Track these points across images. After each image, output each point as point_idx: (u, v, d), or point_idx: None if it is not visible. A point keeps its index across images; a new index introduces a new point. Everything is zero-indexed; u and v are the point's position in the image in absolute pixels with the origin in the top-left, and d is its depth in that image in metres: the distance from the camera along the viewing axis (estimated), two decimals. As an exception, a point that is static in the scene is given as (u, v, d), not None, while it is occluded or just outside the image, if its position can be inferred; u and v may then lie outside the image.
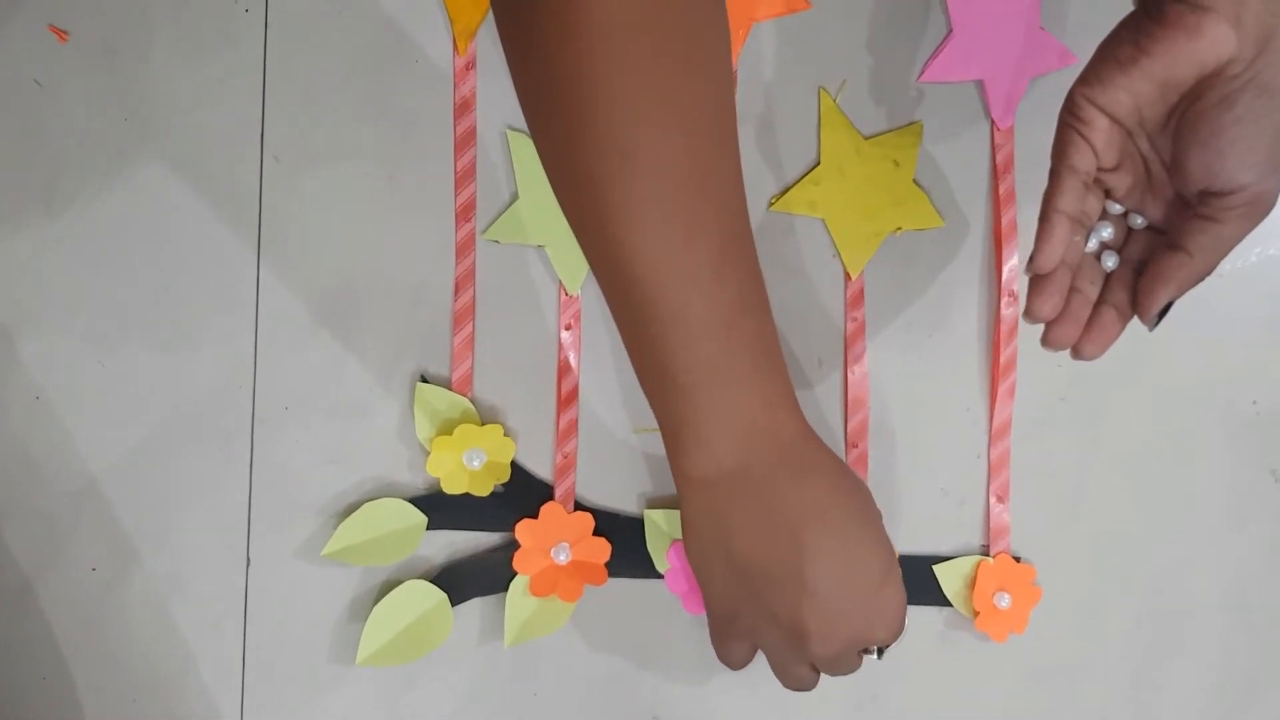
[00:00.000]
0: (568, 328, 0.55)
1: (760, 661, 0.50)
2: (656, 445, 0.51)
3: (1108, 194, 0.46)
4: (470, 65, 0.55)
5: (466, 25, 0.54)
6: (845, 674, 0.47)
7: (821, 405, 0.57)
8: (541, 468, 0.55)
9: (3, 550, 0.53)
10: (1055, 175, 0.44)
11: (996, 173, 0.58)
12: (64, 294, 0.53)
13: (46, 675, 0.53)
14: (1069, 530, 0.59)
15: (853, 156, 0.57)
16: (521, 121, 0.52)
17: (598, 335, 0.56)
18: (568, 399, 0.55)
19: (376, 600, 0.53)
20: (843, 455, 0.57)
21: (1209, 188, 0.43)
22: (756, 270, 0.43)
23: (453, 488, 0.54)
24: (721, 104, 0.41)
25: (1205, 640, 0.60)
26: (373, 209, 0.54)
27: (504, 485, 0.55)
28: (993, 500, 0.58)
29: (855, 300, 0.57)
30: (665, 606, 0.56)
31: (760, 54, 0.57)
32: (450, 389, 0.54)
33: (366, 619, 0.53)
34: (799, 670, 0.47)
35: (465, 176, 0.55)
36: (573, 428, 0.55)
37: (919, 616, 0.57)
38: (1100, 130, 0.43)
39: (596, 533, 0.55)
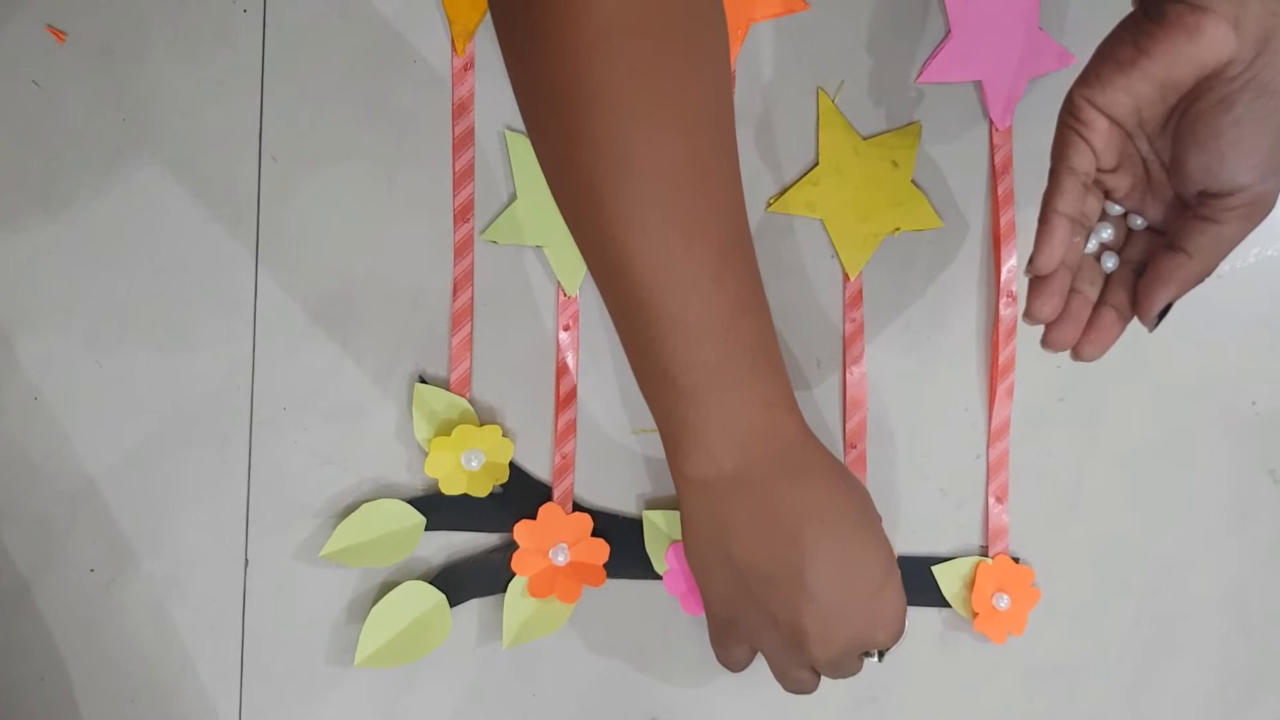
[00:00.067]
0: (566, 328, 0.55)
1: (760, 663, 0.50)
2: (655, 446, 0.51)
3: (1107, 195, 0.46)
4: (468, 66, 0.55)
5: (465, 26, 0.54)
6: (845, 677, 0.47)
7: (820, 406, 0.57)
8: (540, 468, 0.55)
9: (0, 551, 0.52)
10: (1054, 176, 0.44)
11: (995, 173, 0.58)
12: (62, 295, 0.53)
13: (44, 676, 0.53)
14: (1068, 531, 0.59)
15: (851, 157, 0.57)
16: (519, 122, 0.52)
17: (596, 336, 0.56)
18: (566, 399, 0.55)
19: (375, 601, 0.53)
20: (841, 456, 0.57)
21: (1208, 189, 0.43)
22: (755, 272, 0.43)
23: (451, 488, 0.53)
24: (720, 105, 0.41)
25: (1204, 641, 0.60)
26: (371, 210, 0.54)
27: (502, 486, 0.55)
28: (991, 501, 0.58)
29: (854, 301, 0.57)
30: (664, 607, 0.56)
31: (758, 54, 0.56)
32: (448, 389, 0.54)
33: (365, 620, 0.53)
34: (799, 673, 0.47)
35: (463, 177, 0.54)
36: (571, 428, 0.55)
37: (918, 617, 0.57)
38: (1100, 131, 0.43)
39: (595, 533, 0.55)
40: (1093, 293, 0.47)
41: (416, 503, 0.54)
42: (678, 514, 0.53)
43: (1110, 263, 0.46)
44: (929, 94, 0.58)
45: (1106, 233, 0.46)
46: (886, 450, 0.57)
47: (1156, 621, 0.59)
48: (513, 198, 0.55)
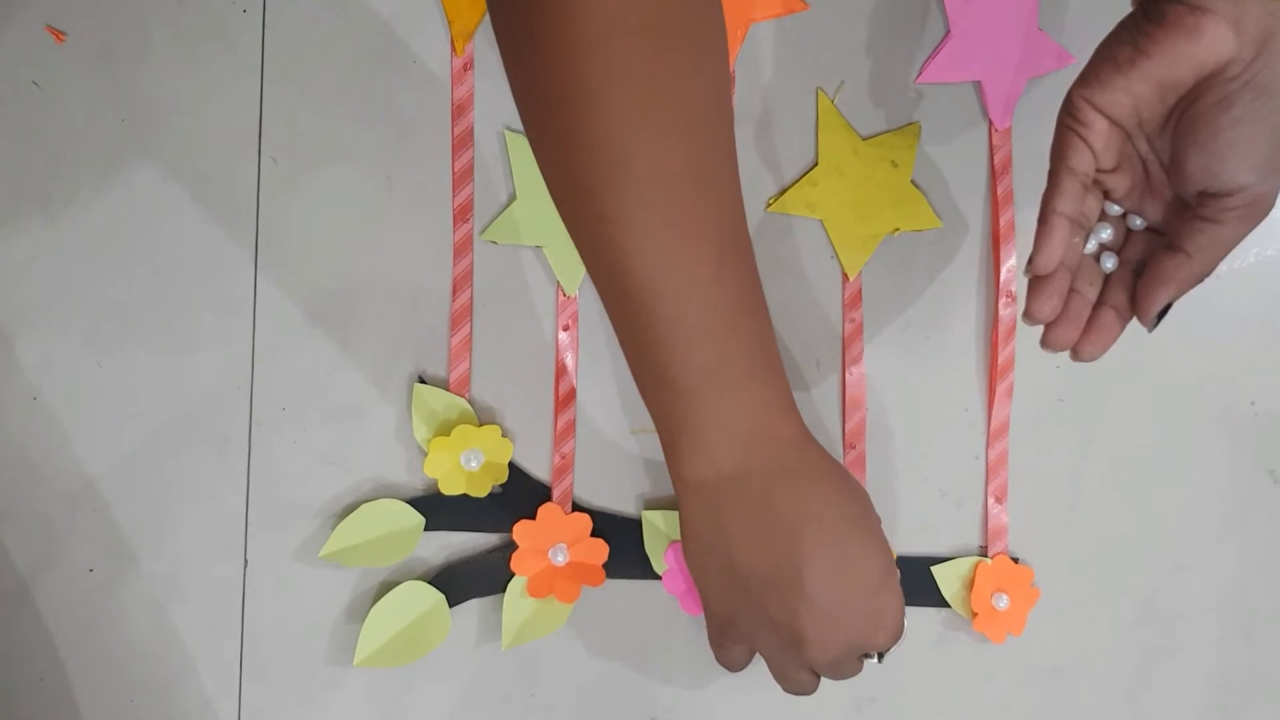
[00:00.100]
0: (565, 328, 0.55)
1: (759, 663, 0.50)
2: (654, 446, 0.51)
3: (1106, 195, 0.46)
4: (468, 66, 0.55)
5: (464, 27, 0.54)
6: (845, 678, 0.47)
7: (819, 406, 0.57)
8: (539, 468, 0.55)
9: (0, 551, 0.52)
10: (1054, 177, 0.44)
11: (995, 174, 0.58)
12: (62, 295, 0.53)
13: (44, 676, 0.53)
14: (1067, 531, 0.59)
15: (851, 157, 0.57)
16: (519, 122, 0.52)
17: (596, 336, 0.56)
18: (565, 400, 0.55)
19: (374, 601, 0.53)
20: (840, 456, 0.57)
21: (1208, 189, 0.43)
22: (754, 273, 0.43)
23: (450, 489, 0.53)
24: (719, 107, 0.41)
25: (1203, 641, 0.60)
26: (370, 210, 0.54)
27: (501, 486, 0.55)
28: (991, 501, 0.58)
29: (853, 301, 0.57)
30: (663, 607, 0.56)
31: (758, 55, 0.56)
32: (448, 390, 0.54)
33: (364, 620, 0.53)
34: (798, 674, 0.47)
35: (463, 177, 0.54)
36: (570, 428, 0.55)
37: (917, 617, 0.57)
38: (1099, 132, 0.43)
39: (594, 533, 0.55)
40: (1092, 293, 0.47)
41: (416, 503, 0.54)
42: (677, 514, 0.53)
43: (1109, 263, 0.46)
44: (928, 94, 0.58)
45: (1106, 233, 0.46)
46: (886, 450, 0.57)
47: (1155, 621, 0.59)
48: (512, 198, 0.55)
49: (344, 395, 0.54)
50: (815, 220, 0.57)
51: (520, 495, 0.55)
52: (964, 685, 0.58)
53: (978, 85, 0.58)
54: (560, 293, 0.55)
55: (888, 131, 0.57)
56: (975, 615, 0.57)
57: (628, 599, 0.56)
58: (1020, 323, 0.56)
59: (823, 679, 0.48)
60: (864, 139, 0.57)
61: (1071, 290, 0.46)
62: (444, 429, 0.53)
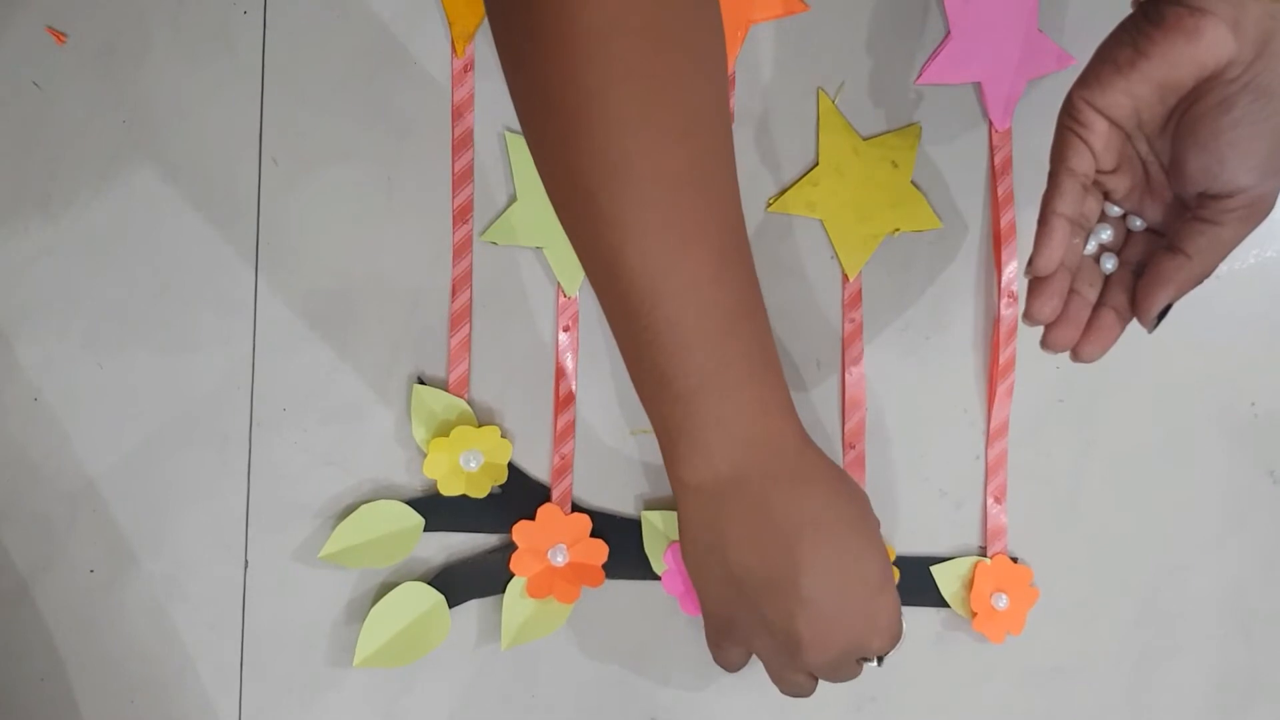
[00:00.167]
0: (565, 329, 0.55)
1: (759, 663, 0.50)
2: (653, 447, 0.51)
3: (1106, 196, 0.46)
4: (468, 67, 0.55)
5: (464, 28, 0.54)
6: (844, 681, 0.47)
7: (819, 407, 0.57)
8: (539, 469, 0.55)
9: (0, 551, 0.52)
10: (1054, 178, 0.44)
11: (995, 174, 0.58)
12: (62, 296, 0.53)
13: (44, 677, 0.53)
14: (1067, 531, 0.59)
15: (851, 158, 0.57)
16: (519, 123, 0.52)
17: (595, 337, 0.56)
18: (565, 400, 0.55)
19: (374, 602, 0.53)
20: (840, 457, 0.57)
21: (1208, 190, 0.43)
22: (753, 276, 0.43)
23: (450, 489, 0.54)
24: (718, 109, 0.41)
25: (1203, 641, 0.60)
26: (370, 211, 0.54)
27: (501, 487, 0.55)
28: (990, 501, 0.58)
29: (853, 301, 0.57)
30: (663, 608, 0.56)
31: (758, 56, 0.56)
32: (447, 390, 0.54)
33: (364, 621, 0.53)
34: (795, 677, 0.47)
35: (463, 178, 0.54)
36: (570, 429, 0.55)
37: (916, 618, 0.57)
38: (1099, 133, 0.43)
39: (594, 534, 0.55)
40: (1092, 294, 0.47)
41: (415, 503, 0.54)
42: (676, 515, 0.53)
43: (1109, 264, 0.46)
44: (928, 95, 0.58)
45: (1106, 234, 0.46)
46: (885, 451, 0.57)
47: (1155, 621, 0.59)
48: (512, 199, 0.55)
49: (344, 396, 0.54)
50: (815, 220, 0.57)
51: (519, 496, 0.55)
52: (963, 685, 0.58)
53: (978, 86, 0.58)
54: (560, 293, 0.55)
55: (888, 132, 0.57)
56: (975, 615, 0.57)
57: (627, 599, 0.56)
58: (1020, 323, 0.56)
59: (821, 681, 0.48)
60: (864, 139, 0.57)
61: (1071, 291, 0.46)
62: (443, 430, 0.53)
